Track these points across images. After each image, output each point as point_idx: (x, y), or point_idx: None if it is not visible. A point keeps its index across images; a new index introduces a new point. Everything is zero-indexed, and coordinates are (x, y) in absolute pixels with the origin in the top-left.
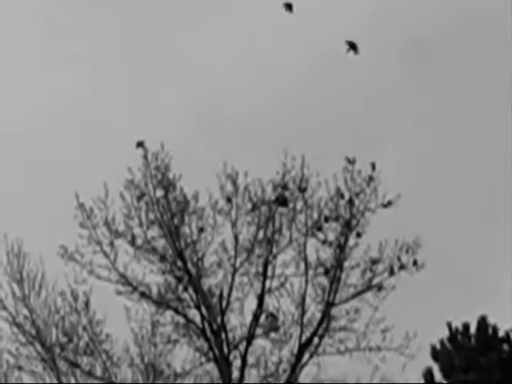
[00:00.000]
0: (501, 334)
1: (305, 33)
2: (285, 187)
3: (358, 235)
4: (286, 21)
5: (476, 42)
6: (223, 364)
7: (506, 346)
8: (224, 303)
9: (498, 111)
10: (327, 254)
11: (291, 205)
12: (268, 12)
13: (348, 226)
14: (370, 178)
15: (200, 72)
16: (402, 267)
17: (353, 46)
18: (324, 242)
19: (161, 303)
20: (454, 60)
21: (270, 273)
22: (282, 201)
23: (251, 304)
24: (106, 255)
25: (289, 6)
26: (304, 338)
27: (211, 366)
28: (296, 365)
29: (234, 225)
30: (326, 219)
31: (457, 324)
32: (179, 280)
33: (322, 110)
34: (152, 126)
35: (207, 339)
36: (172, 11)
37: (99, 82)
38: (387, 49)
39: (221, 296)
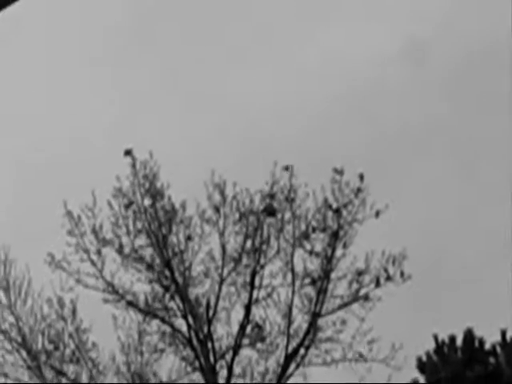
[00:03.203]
0: (487, 346)
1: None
2: (273, 197)
3: (345, 246)
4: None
5: None
6: (209, 374)
7: (492, 359)
8: (211, 313)
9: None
10: (314, 264)
11: (279, 215)
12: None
13: (335, 237)
14: (359, 190)
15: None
16: (388, 278)
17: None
18: (311, 252)
19: (148, 312)
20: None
21: (257, 283)
22: (270, 211)
23: (238, 314)
24: (94, 263)
25: None
26: (290, 349)
27: (197, 376)
28: (282, 375)
29: (221, 234)
30: (314, 230)
31: (443, 336)
32: (166, 289)
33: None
34: (140, 131)
35: (194, 349)
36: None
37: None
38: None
39: (208, 305)
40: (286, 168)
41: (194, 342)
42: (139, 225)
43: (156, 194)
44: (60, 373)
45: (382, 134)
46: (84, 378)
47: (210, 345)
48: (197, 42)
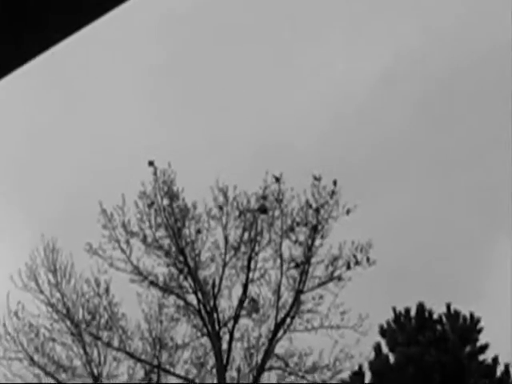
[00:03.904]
0: (435, 316)
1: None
2: (265, 199)
3: (323, 237)
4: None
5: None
6: (215, 338)
7: (439, 327)
8: (216, 290)
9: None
10: (298, 251)
11: (270, 213)
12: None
13: (315, 230)
14: (333, 192)
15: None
16: (357, 263)
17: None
18: (295, 242)
19: (166, 289)
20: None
21: (252, 266)
22: (263, 209)
23: (237, 291)
24: (123, 251)
25: None
26: (279, 319)
27: (205, 340)
28: (272, 339)
29: (224, 228)
30: (298, 224)
31: (400, 309)
32: (180, 271)
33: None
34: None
35: (202, 318)
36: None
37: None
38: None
39: (213, 284)
40: (277, 179)
41: (203, 313)
42: (159, 220)
43: (173, 196)
44: (96, 338)
45: (364, 149)
46: (116, 342)
47: (215, 315)
48: (220, 65)
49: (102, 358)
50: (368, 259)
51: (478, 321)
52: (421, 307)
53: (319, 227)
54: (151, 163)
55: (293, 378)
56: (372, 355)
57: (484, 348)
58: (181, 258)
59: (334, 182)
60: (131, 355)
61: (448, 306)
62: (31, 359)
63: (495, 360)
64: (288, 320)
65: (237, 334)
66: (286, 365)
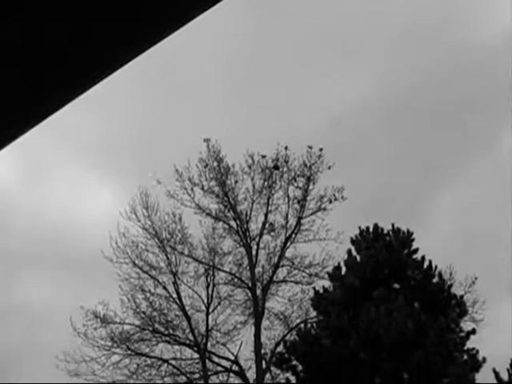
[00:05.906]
0: (385, 232)
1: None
2: (277, 160)
3: (314, 184)
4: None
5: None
6: (247, 248)
7: (387, 238)
8: (248, 218)
9: None
10: (298, 193)
11: (281, 169)
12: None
13: (309, 179)
14: (320, 156)
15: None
16: (335, 199)
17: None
18: (297, 187)
19: (216, 218)
20: None
21: (270, 202)
22: (276, 167)
23: (261, 218)
24: (189, 195)
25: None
26: (288, 234)
27: (242, 249)
28: (283, 248)
29: (252, 179)
30: (298, 176)
31: (363, 227)
32: (225, 206)
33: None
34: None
35: (239, 235)
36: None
37: None
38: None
39: (246, 214)
40: (285, 148)
41: (240, 232)
42: (211, 175)
43: (219, 160)
44: (174, 249)
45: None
46: (186, 251)
47: (247, 233)
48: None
49: (178, 261)
50: (342, 197)
51: (412, 234)
52: (376, 226)
53: (311, 177)
54: (206, 140)
55: (296, 271)
56: (346, 256)
57: (416, 250)
58: (225, 198)
59: (320, 149)
60: (195, 259)
61: (393, 225)
62: (133, 263)
63: (423, 257)
64: (293, 236)
65: (261, 245)
66: (292, 263)
